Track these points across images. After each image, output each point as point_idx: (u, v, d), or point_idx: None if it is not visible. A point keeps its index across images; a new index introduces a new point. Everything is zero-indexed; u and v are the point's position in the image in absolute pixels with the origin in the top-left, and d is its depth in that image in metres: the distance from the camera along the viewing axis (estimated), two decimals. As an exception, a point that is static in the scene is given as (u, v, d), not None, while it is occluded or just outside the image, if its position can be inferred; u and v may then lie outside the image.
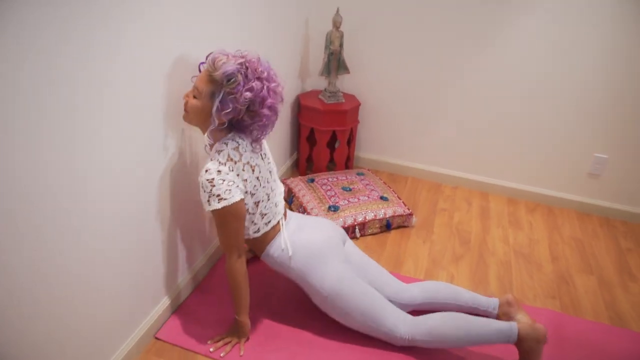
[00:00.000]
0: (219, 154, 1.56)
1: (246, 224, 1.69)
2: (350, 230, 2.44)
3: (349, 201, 2.54)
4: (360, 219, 2.46)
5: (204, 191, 1.53)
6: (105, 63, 1.31)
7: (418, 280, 2.22)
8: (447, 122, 2.92)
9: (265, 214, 1.73)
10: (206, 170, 1.53)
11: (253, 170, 1.63)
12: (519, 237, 2.62)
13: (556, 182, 2.89)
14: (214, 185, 1.52)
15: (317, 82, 3.03)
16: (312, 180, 2.73)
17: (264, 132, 1.62)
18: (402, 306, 1.88)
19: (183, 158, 1.82)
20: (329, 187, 2.65)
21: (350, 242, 2.00)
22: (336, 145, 2.87)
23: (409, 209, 2.60)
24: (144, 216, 1.64)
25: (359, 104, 2.89)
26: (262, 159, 1.70)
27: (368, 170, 2.99)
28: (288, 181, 2.75)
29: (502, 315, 1.87)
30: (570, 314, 2.12)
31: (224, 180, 1.53)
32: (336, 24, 2.61)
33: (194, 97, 1.53)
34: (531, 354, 1.68)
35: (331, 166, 3.05)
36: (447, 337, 1.72)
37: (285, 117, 2.82)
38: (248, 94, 1.46)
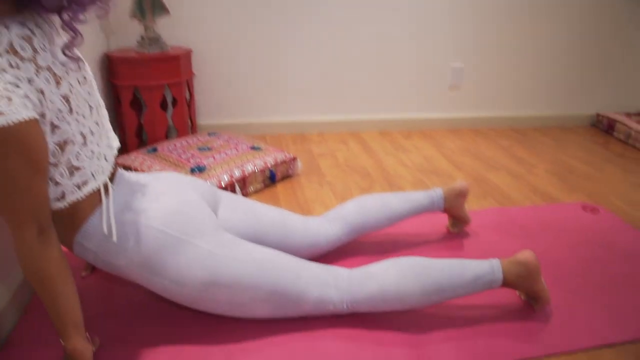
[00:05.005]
0: None
1: None
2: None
3: (214, 158, 1.88)
4: (239, 174, 1.81)
5: None
6: None
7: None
8: (296, 65, 2.46)
9: (78, 169, 0.95)
10: None
11: (58, 85, 0.89)
12: (413, 158, 2.29)
13: (423, 104, 2.67)
14: None
15: (126, 38, 2.28)
16: (155, 150, 1.97)
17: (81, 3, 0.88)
18: (324, 249, 1.38)
19: None
20: (181, 151, 1.94)
21: (226, 196, 1.33)
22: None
23: (289, 153, 2.05)
24: None
25: (191, 50, 2.24)
26: (79, 82, 0.98)
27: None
28: (119, 160, 1.93)
29: (450, 208, 1.54)
30: (509, 206, 1.83)
31: None
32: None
33: None
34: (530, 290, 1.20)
35: (171, 135, 2.33)
36: (403, 296, 1.13)
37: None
38: None
